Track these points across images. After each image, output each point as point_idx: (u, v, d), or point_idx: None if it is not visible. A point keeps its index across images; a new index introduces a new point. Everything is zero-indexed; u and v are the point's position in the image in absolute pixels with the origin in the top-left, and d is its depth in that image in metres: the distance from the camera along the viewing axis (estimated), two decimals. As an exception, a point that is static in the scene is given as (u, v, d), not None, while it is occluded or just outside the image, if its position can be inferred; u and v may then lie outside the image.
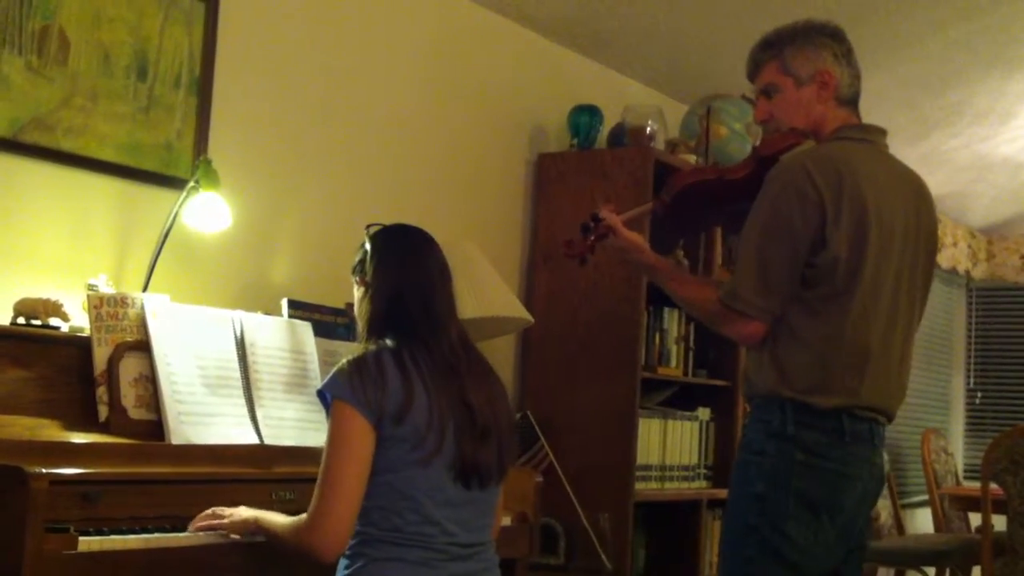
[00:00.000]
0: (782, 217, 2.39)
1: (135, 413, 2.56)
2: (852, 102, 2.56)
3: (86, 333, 2.61)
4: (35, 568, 2.03)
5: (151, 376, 2.59)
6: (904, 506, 6.39)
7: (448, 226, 3.86)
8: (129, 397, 2.56)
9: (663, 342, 4.22)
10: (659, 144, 4.23)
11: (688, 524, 4.27)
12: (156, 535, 2.25)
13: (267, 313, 2.94)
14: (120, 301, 2.64)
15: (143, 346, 2.61)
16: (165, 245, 2.93)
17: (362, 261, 2.40)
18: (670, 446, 4.21)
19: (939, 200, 6.57)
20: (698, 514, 4.26)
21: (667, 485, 4.21)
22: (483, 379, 2.35)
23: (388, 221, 2.47)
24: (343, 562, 2.22)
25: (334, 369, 2.23)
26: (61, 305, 2.64)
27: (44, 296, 2.64)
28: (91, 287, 2.70)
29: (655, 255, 2.68)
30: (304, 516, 2.19)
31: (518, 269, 4.28)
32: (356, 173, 3.66)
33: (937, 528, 6.27)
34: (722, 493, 3.89)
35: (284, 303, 3.05)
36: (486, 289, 3.45)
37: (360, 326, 2.39)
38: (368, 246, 2.40)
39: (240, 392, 2.72)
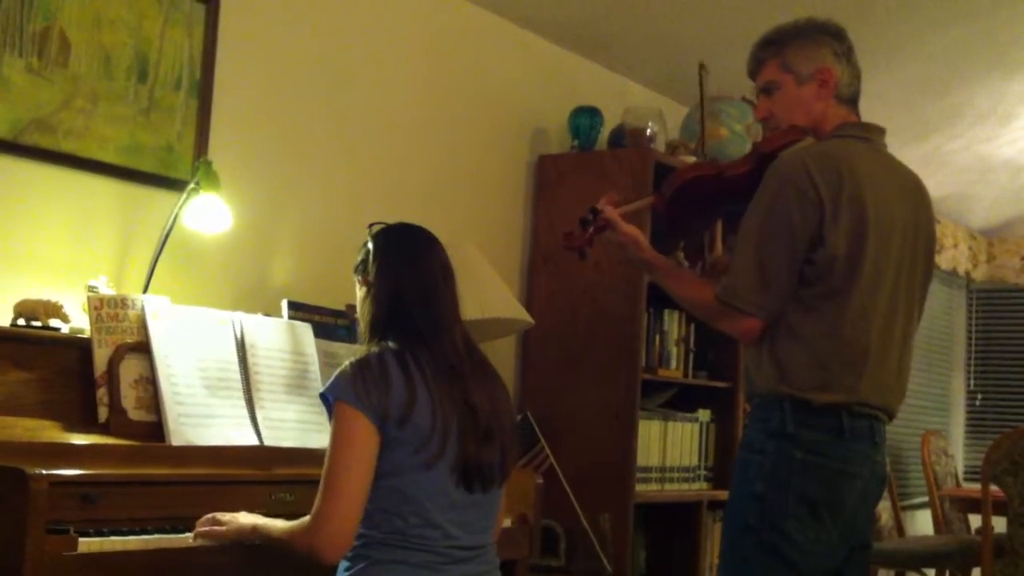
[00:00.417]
0: (781, 214, 2.39)
1: (135, 415, 2.57)
2: (852, 100, 2.57)
3: (86, 334, 2.61)
4: (35, 569, 2.03)
5: (151, 377, 2.59)
6: (904, 508, 6.39)
7: (448, 227, 3.84)
8: (129, 398, 2.57)
9: (663, 344, 4.22)
10: (659, 146, 4.24)
11: (688, 525, 4.27)
12: (156, 536, 2.25)
13: (267, 314, 2.94)
14: (120, 302, 2.64)
15: (143, 347, 2.61)
16: (165, 246, 2.93)
17: (364, 261, 2.39)
18: (670, 447, 4.21)
19: (940, 201, 6.62)
20: (698, 515, 4.26)
21: (667, 486, 4.21)
22: (486, 381, 2.35)
23: (389, 222, 2.47)
24: (344, 564, 2.22)
25: (337, 371, 2.22)
26: (61, 306, 2.64)
27: (44, 297, 2.65)
28: (91, 288, 2.70)
29: (653, 251, 2.67)
30: (306, 519, 2.19)
31: (518, 270, 4.28)
32: (356, 175, 3.66)
33: (937, 530, 6.26)
34: (723, 494, 3.89)
35: (284, 304, 3.06)
36: (486, 290, 3.45)
37: (362, 327, 2.38)
38: (371, 245, 2.39)
39: (240, 394, 2.73)
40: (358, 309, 2.43)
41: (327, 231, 3.52)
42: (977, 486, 5.29)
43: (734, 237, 2.53)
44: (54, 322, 2.62)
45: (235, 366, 2.74)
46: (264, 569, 2.37)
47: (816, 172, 2.37)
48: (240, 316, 2.82)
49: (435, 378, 2.23)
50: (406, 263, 2.35)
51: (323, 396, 2.22)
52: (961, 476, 6.88)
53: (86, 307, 2.63)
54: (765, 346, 2.44)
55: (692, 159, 4.23)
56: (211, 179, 2.94)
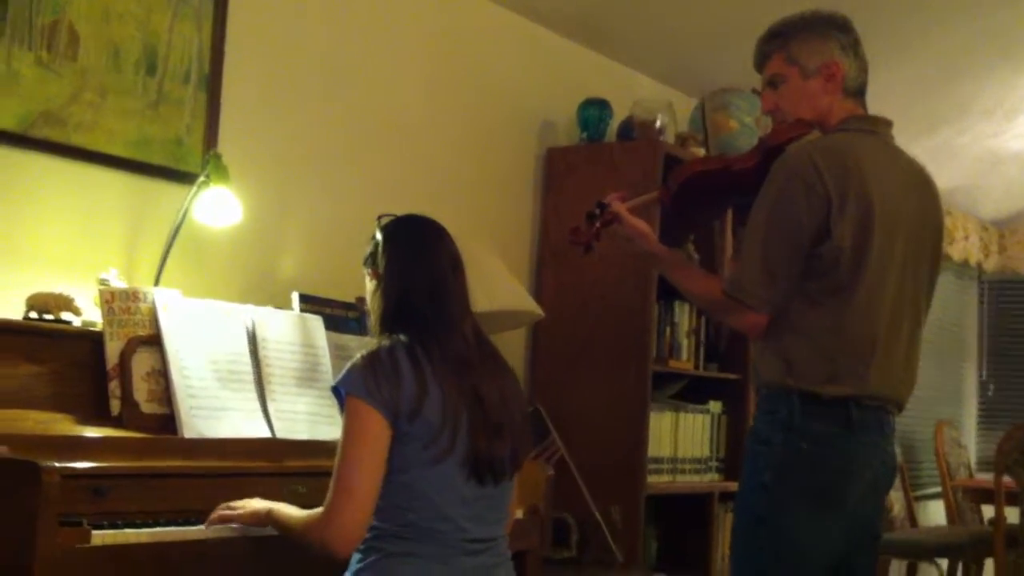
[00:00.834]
0: (787, 207, 2.38)
1: (147, 407, 2.57)
2: (859, 93, 2.55)
3: (98, 328, 2.61)
4: (48, 561, 2.03)
5: (163, 370, 2.59)
6: (917, 498, 6.38)
7: (457, 220, 3.82)
8: (141, 391, 2.57)
9: (674, 335, 4.22)
10: (669, 138, 4.23)
11: (700, 516, 4.27)
12: (169, 528, 2.25)
13: (277, 307, 2.94)
14: (132, 295, 2.65)
15: (155, 340, 2.61)
16: (176, 240, 2.94)
17: (373, 253, 2.39)
18: (682, 439, 4.21)
19: (950, 193, 6.61)
20: (710, 506, 4.26)
21: (679, 478, 4.20)
22: (497, 373, 2.34)
23: (398, 213, 2.47)
24: (356, 556, 2.22)
25: (348, 364, 2.22)
26: (73, 300, 2.65)
27: (56, 291, 2.65)
28: (102, 282, 2.71)
29: (661, 245, 2.67)
30: (319, 511, 2.19)
31: (527, 263, 4.28)
32: (365, 167, 3.66)
33: (950, 520, 6.26)
34: (734, 486, 3.89)
35: (295, 297, 3.06)
36: (495, 283, 3.45)
37: (372, 320, 2.38)
38: (380, 237, 2.38)
39: (252, 386, 2.73)
40: (368, 302, 2.43)
41: (336, 223, 3.52)
42: (990, 477, 5.28)
43: (743, 230, 2.53)
44: (66, 315, 2.62)
45: (246, 359, 2.75)
46: (275, 561, 2.38)
47: (823, 166, 2.36)
48: (251, 309, 2.82)
49: (445, 371, 2.23)
50: (416, 255, 2.35)
51: (335, 389, 2.22)
52: (974, 467, 6.87)
53: (97, 300, 2.64)
54: (772, 339, 2.44)
55: (702, 151, 4.23)
56: (221, 172, 2.94)
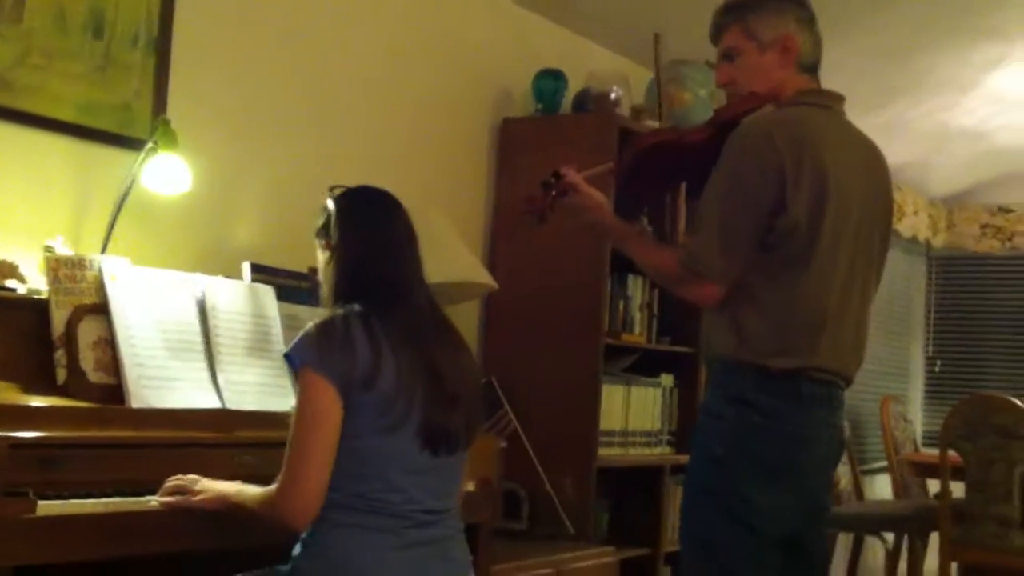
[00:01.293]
0: (743, 180, 2.39)
1: (94, 376, 2.53)
2: (813, 68, 2.56)
3: (43, 295, 2.56)
4: (-8, 532, 2.00)
5: (110, 339, 2.55)
6: (863, 472, 6.46)
7: (411, 189, 3.79)
8: (88, 360, 2.53)
9: (627, 309, 4.22)
10: (624, 110, 4.22)
11: (651, 489, 4.29)
12: (116, 499, 2.22)
13: (228, 277, 2.90)
14: (78, 263, 2.60)
15: (102, 309, 2.57)
16: (124, 207, 2.89)
17: (326, 224, 2.37)
18: (633, 412, 4.23)
19: (900, 169, 6.66)
20: (661, 479, 4.28)
21: (630, 451, 4.22)
22: (451, 345, 2.34)
23: (351, 183, 2.44)
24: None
25: (301, 332, 2.20)
26: (17, 267, 2.60)
27: (0, 258, 2.60)
28: (48, 249, 2.66)
29: (615, 217, 2.67)
30: (273, 487, 2.18)
31: (481, 233, 4.26)
32: (318, 135, 3.63)
33: (896, 494, 6.34)
34: (685, 458, 3.89)
35: (246, 267, 3.02)
36: (449, 254, 3.43)
37: (325, 291, 2.36)
38: (332, 208, 2.36)
39: (201, 356, 2.69)
40: (320, 274, 2.41)
41: (289, 192, 3.48)
42: (935, 451, 5.35)
43: (697, 203, 2.53)
44: (10, 283, 2.58)
45: (196, 328, 2.71)
46: (225, 532, 2.35)
47: (778, 139, 2.37)
48: (201, 278, 2.79)
49: (400, 342, 2.22)
50: (371, 226, 2.33)
51: (288, 357, 2.20)
52: (920, 441, 6.96)
53: (43, 267, 2.59)
54: (726, 311, 2.45)
55: (657, 124, 4.22)
56: (169, 138, 2.89)
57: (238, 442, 2.55)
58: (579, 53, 4.65)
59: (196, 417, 2.56)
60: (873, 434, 6.79)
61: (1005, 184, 7.48)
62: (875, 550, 6.27)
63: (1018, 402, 4.95)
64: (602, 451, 4.03)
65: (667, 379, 4.42)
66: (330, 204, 2.38)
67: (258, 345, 2.82)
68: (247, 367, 2.77)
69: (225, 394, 2.69)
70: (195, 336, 2.70)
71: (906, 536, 5.88)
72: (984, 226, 7.67)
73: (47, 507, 2.09)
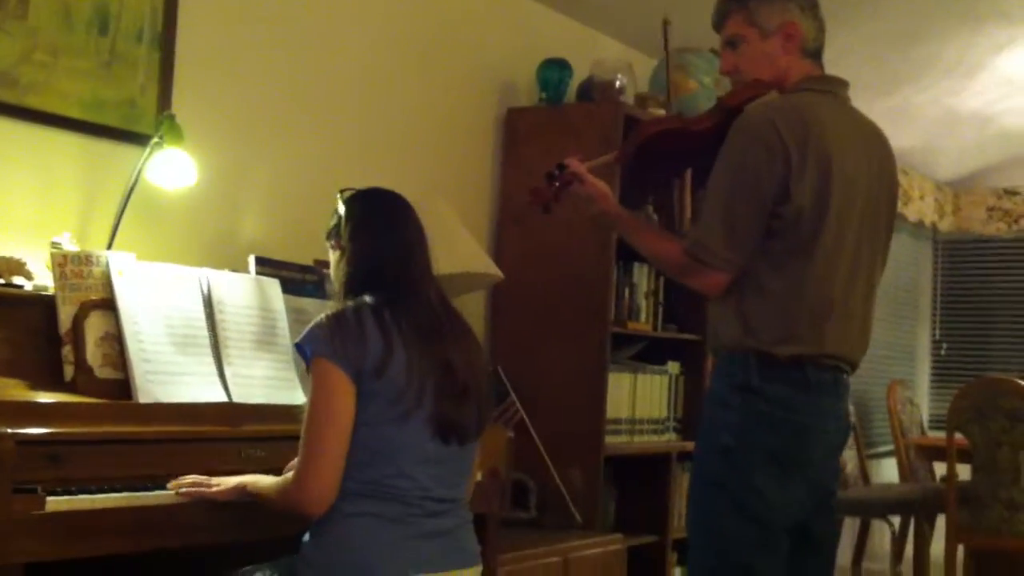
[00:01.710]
0: (748, 168, 2.38)
1: (102, 372, 2.54)
2: (816, 54, 2.56)
3: (50, 292, 2.57)
4: (2, 529, 2.01)
5: (117, 335, 2.56)
6: (870, 456, 6.47)
7: (417, 182, 3.83)
8: (95, 356, 2.54)
9: (632, 297, 4.22)
10: (628, 98, 4.22)
11: (658, 477, 4.29)
12: (125, 494, 2.23)
13: (234, 270, 2.91)
14: (84, 259, 2.61)
15: (109, 304, 2.58)
16: (130, 202, 2.90)
17: (337, 226, 2.41)
18: (640, 400, 4.23)
19: (906, 153, 6.64)
20: (668, 467, 4.29)
21: (637, 439, 4.22)
22: (461, 338, 2.38)
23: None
24: (317, 517, 2.24)
25: (313, 322, 2.24)
26: (24, 263, 2.61)
27: (7, 255, 2.61)
28: (55, 245, 2.66)
29: (620, 206, 2.68)
30: (289, 475, 2.22)
31: (487, 224, 4.26)
32: (323, 128, 3.63)
33: (902, 478, 6.35)
34: (691, 446, 3.90)
35: (251, 260, 3.03)
36: (456, 245, 3.43)
37: (336, 287, 2.39)
38: (343, 211, 2.40)
39: (208, 350, 2.70)
40: (332, 272, 2.45)
41: (294, 185, 3.49)
42: (942, 435, 5.35)
43: (703, 191, 2.53)
44: (17, 279, 2.58)
45: (202, 323, 2.72)
46: (233, 525, 2.37)
47: (782, 126, 2.37)
48: (207, 272, 2.79)
49: (411, 334, 2.26)
50: (380, 228, 2.37)
51: (299, 347, 2.25)
52: (926, 425, 6.96)
53: (50, 264, 2.60)
54: (731, 300, 2.45)
55: (662, 112, 4.22)
56: (175, 133, 2.90)
57: (245, 436, 2.56)
58: (583, 42, 4.64)
59: (203, 411, 2.57)
60: (880, 418, 6.79)
61: (1012, 167, 7.45)
62: (882, 534, 6.28)
63: (1025, 385, 4.94)
64: (609, 439, 4.04)
65: (674, 367, 4.42)
66: (341, 207, 2.41)
67: (265, 338, 2.83)
68: (254, 361, 2.78)
69: (232, 388, 2.70)
70: (202, 330, 2.71)
71: (913, 520, 5.89)
72: (991, 209, 7.65)
73: (56, 503, 2.10)
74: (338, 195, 2.45)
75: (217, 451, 2.44)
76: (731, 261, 2.41)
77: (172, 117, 2.93)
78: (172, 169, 2.93)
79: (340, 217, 2.40)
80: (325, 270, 3.02)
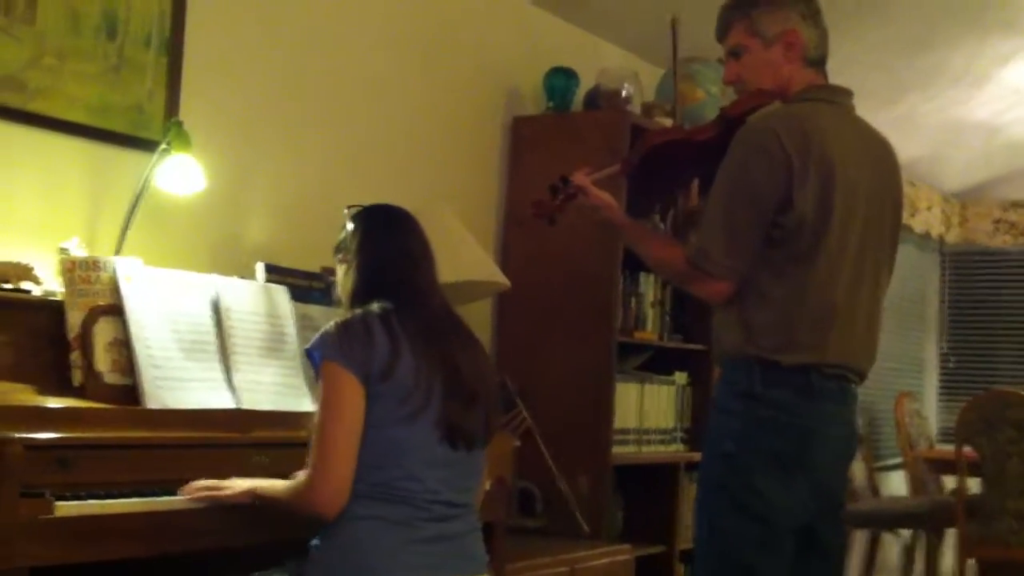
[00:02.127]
0: (749, 178, 2.40)
1: (110, 378, 2.53)
2: (819, 63, 2.57)
3: (59, 297, 2.57)
4: (11, 534, 2.01)
5: (125, 340, 2.56)
6: (878, 469, 6.44)
7: (423, 189, 3.83)
8: (103, 361, 2.53)
9: (639, 306, 4.22)
10: (635, 107, 4.22)
11: (665, 487, 4.28)
12: (133, 499, 2.23)
13: (242, 277, 2.91)
14: (92, 264, 2.60)
15: (117, 310, 2.57)
16: (137, 208, 2.90)
17: (344, 241, 2.46)
18: (647, 410, 4.22)
19: (913, 164, 6.64)
20: (675, 477, 4.28)
21: (644, 448, 4.21)
22: (468, 345, 2.41)
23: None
24: (325, 519, 2.24)
25: (322, 330, 2.28)
26: (32, 269, 2.61)
27: (15, 260, 2.60)
28: (63, 250, 2.66)
29: (626, 216, 2.71)
30: (301, 478, 2.24)
31: (493, 232, 4.26)
32: (330, 135, 3.63)
33: (912, 490, 6.33)
34: (699, 456, 3.90)
35: (259, 267, 3.03)
36: (461, 253, 3.43)
37: (343, 299, 2.44)
38: (350, 226, 2.46)
39: (216, 356, 2.70)
40: (339, 285, 2.49)
41: (301, 192, 3.49)
42: (950, 447, 5.34)
43: (705, 200, 2.54)
44: (26, 285, 2.58)
45: (210, 329, 2.72)
46: (242, 531, 2.37)
47: (784, 135, 2.38)
48: (215, 279, 2.79)
49: (418, 339, 2.29)
50: (386, 239, 2.42)
51: (309, 353, 2.28)
52: (935, 437, 6.94)
53: (58, 269, 2.60)
54: (734, 308, 2.46)
55: (668, 121, 4.22)
56: (182, 139, 2.90)
57: (253, 442, 2.56)
58: (590, 51, 4.65)
59: (211, 417, 2.56)
60: (888, 430, 6.77)
61: (1019, 179, 7.45)
62: (891, 547, 6.26)
63: (1033, 397, 4.93)
64: (616, 449, 4.03)
65: (680, 376, 4.41)
66: (348, 223, 2.46)
67: (272, 345, 2.82)
68: (262, 367, 2.77)
69: (240, 394, 2.69)
70: (210, 336, 2.71)
71: (922, 532, 5.87)
72: (997, 221, 7.64)
73: (64, 508, 2.10)
74: (345, 211, 2.48)
75: (225, 457, 2.44)
76: (732, 269, 2.42)
77: (180, 123, 2.93)
78: (180, 175, 2.93)
79: (347, 232, 2.45)
80: (332, 277, 3.02)
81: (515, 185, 4.26)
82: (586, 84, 4.27)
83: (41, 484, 2.09)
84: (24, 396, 2.37)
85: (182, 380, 2.59)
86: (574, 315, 4.06)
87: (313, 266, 3.18)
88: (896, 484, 6.77)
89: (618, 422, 4.04)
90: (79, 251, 2.69)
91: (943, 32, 5.14)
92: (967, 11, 4.90)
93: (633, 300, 4.19)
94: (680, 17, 3.15)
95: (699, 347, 4.41)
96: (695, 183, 4.09)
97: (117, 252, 2.84)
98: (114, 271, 2.61)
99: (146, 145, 2.98)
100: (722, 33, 2.61)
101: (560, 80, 4.24)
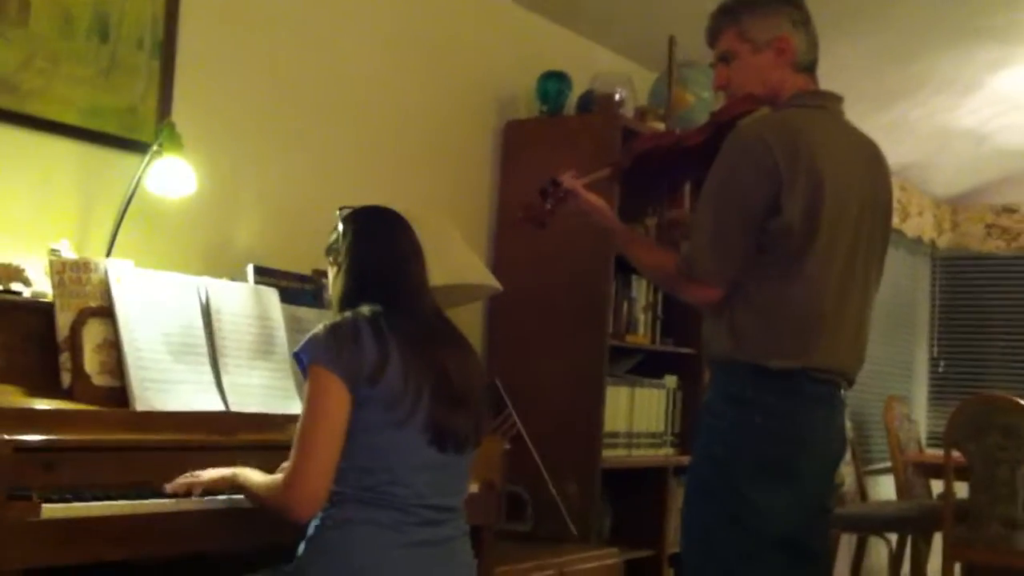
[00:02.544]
0: (737, 183, 2.41)
1: (99, 380, 2.53)
2: (809, 68, 2.57)
3: (48, 299, 2.57)
4: (-2, 535, 2.01)
5: (115, 342, 2.56)
6: (867, 473, 6.46)
7: (416, 193, 3.84)
8: (92, 363, 2.54)
9: (631, 310, 4.22)
10: (628, 112, 4.22)
11: (654, 491, 4.29)
12: (120, 502, 2.23)
13: (232, 279, 2.91)
14: (83, 266, 2.61)
15: (106, 312, 2.58)
16: (128, 210, 2.90)
17: (335, 243, 2.46)
18: (637, 413, 4.23)
19: (904, 169, 6.65)
20: (664, 481, 4.29)
21: (634, 452, 4.22)
22: (458, 348, 2.41)
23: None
24: (314, 522, 2.25)
25: (310, 333, 2.27)
26: (23, 270, 2.61)
27: (5, 261, 2.61)
28: (53, 252, 2.67)
29: (617, 220, 2.71)
30: (280, 477, 2.23)
31: (485, 236, 4.27)
32: (322, 138, 3.63)
33: (900, 495, 6.34)
34: (688, 460, 3.92)
35: (250, 269, 3.03)
36: (453, 256, 3.43)
37: (333, 301, 2.43)
38: (341, 227, 2.45)
39: (205, 359, 2.70)
40: (330, 287, 2.49)
41: (293, 195, 3.49)
42: (939, 452, 5.35)
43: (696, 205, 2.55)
44: (15, 286, 2.58)
45: (200, 331, 2.72)
46: (231, 533, 2.37)
47: (773, 142, 2.38)
48: (205, 281, 2.79)
49: (407, 343, 2.28)
50: (376, 240, 2.42)
51: (297, 356, 2.27)
52: (924, 442, 6.96)
53: (48, 271, 2.60)
54: (724, 313, 2.47)
55: (661, 125, 4.23)
56: (174, 141, 2.90)
57: (242, 444, 2.55)
58: (583, 55, 4.65)
59: (200, 420, 2.57)
60: (877, 434, 6.78)
61: (1009, 184, 7.47)
62: (879, 550, 6.27)
63: (1023, 402, 4.94)
64: (606, 452, 4.03)
65: (671, 380, 4.42)
66: (339, 224, 2.46)
67: (262, 347, 2.83)
68: (251, 369, 2.77)
69: (229, 397, 2.69)
70: (199, 339, 2.71)
71: (910, 537, 5.88)
72: (989, 226, 7.67)
73: (51, 510, 2.10)
74: (337, 213, 2.48)
75: (213, 459, 2.43)
76: (719, 274, 2.43)
77: (172, 125, 2.93)
78: (171, 177, 2.93)
79: (338, 233, 2.45)
80: (323, 279, 3.03)
81: (508, 188, 4.26)
82: (579, 88, 4.28)
83: (28, 486, 2.09)
84: (12, 398, 2.37)
85: (171, 382, 2.60)
86: (566, 318, 4.06)
87: (304, 268, 3.18)
88: (884, 488, 6.78)
89: (608, 425, 4.04)
90: (70, 253, 2.69)
91: (933, 39, 5.15)
92: (956, 19, 4.91)
93: (625, 304, 4.19)
94: (671, 29, 3.17)
95: (690, 351, 4.41)
96: (686, 187, 4.15)
97: (108, 254, 2.84)
98: (104, 273, 2.61)
99: (138, 147, 2.98)
100: (712, 38, 2.62)
101: (553, 84, 4.25)
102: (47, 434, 2.22)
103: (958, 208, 7.78)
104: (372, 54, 3.81)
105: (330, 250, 2.48)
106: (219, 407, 2.66)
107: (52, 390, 2.48)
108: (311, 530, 2.25)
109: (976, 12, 4.87)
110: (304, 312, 2.99)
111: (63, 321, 2.54)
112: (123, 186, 2.92)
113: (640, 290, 4.26)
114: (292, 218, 3.45)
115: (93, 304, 2.58)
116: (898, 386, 7.20)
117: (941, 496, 5.27)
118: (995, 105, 6.03)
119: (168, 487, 2.31)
